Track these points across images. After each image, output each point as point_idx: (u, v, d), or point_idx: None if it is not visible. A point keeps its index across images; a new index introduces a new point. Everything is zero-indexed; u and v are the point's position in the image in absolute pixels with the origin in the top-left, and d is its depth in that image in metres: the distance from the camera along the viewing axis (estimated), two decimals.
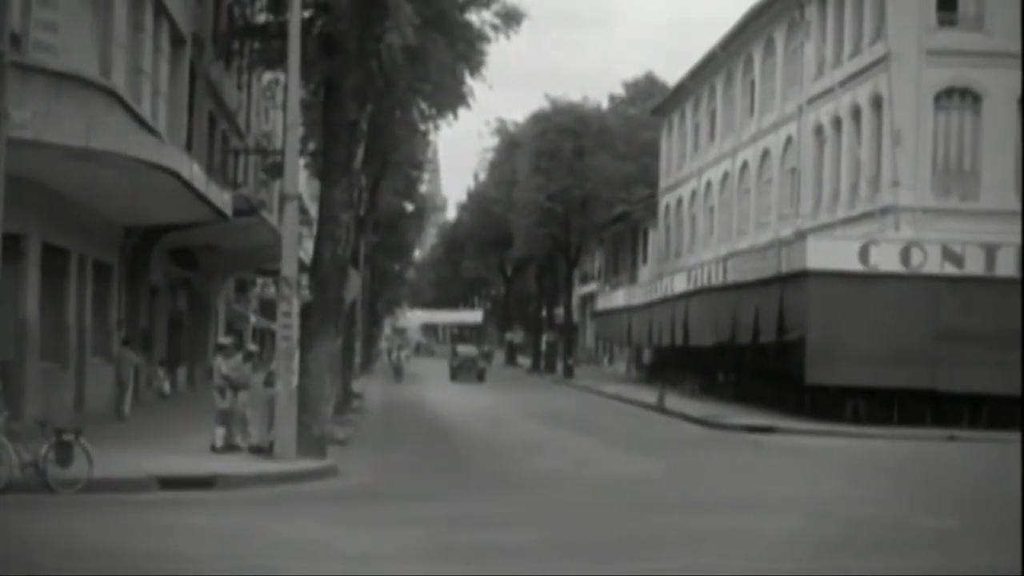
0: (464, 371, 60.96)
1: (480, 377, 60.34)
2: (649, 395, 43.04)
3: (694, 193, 58.34)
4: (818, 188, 42.18)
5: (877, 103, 37.36)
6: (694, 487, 20.19)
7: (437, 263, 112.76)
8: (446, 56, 24.65)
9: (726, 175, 53.01)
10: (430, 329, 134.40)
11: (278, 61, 25.13)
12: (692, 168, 58.69)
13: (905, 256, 33.32)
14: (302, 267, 23.82)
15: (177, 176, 21.52)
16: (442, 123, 30.37)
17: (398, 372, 61.49)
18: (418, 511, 16.39)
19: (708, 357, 47.26)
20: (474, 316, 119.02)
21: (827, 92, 40.25)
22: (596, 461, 24.28)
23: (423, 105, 29.80)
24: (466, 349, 68.15)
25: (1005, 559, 12.96)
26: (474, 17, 25.77)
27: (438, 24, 23.90)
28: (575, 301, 78.34)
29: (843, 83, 39.09)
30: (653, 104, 67.05)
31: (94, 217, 25.37)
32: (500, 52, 30.95)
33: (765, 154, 48.09)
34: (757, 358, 42.06)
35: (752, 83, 50.17)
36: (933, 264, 33.22)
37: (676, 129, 62.85)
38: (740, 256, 43.59)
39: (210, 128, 36.18)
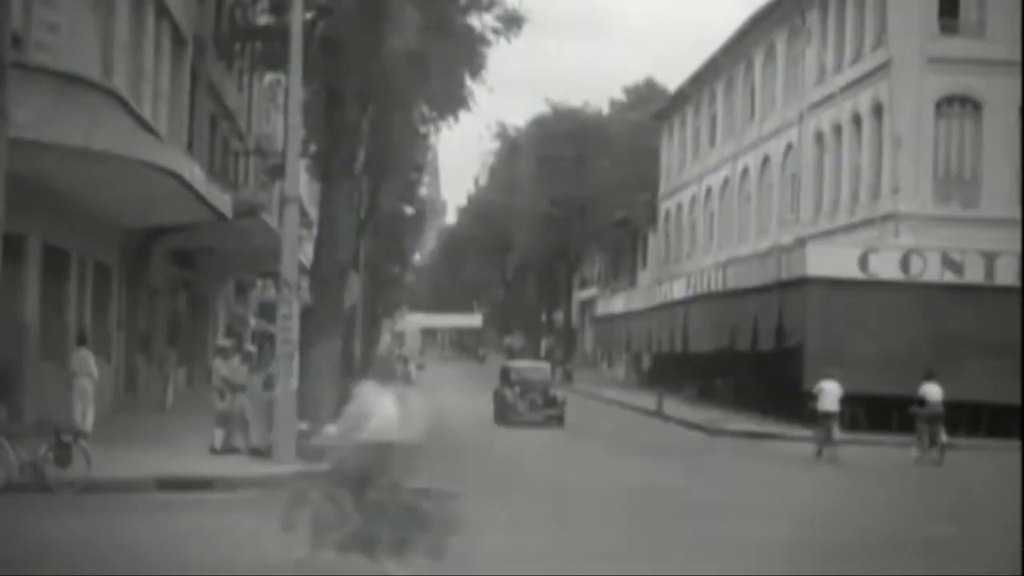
0: (525, 406, 33.82)
1: (559, 420, 33.60)
2: (648, 400, 42.97)
3: (694, 199, 58.32)
4: (818, 194, 42.16)
5: (878, 110, 37.36)
6: (692, 493, 20.15)
7: (437, 267, 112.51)
8: (447, 59, 24.71)
9: (726, 181, 52.99)
10: (429, 333, 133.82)
11: (279, 63, 25.13)
12: (692, 174, 58.67)
13: (905, 264, 33.31)
14: (302, 270, 23.80)
15: (178, 177, 21.48)
16: (443, 126, 30.44)
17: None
18: None
19: (707, 363, 47.19)
20: (473, 320, 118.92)
21: (828, 98, 40.28)
22: (595, 466, 24.28)
23: (424, 108, 29.83)
24: (528, 368, 37.82)
25: (1002, 567, 12.96)
26: (475, 21, 25.88)
27: (439, 28, 23.96)
28: (575, 306, 78.32)
29: (844, 90, 39.12)
30: (654, 109, 67.03)
31: (94, 218, 25.34)
32: (501, 56, 30.97)
33: (765, 160, 48.07)
34: (756, 364, 42.00)
35: (753, 89, 50.15)
36: (933, 272, 33.21)
37: (677, 134, 62.82)
38: (740, 262, 43.61)
39: (211, 129, 36.16)
